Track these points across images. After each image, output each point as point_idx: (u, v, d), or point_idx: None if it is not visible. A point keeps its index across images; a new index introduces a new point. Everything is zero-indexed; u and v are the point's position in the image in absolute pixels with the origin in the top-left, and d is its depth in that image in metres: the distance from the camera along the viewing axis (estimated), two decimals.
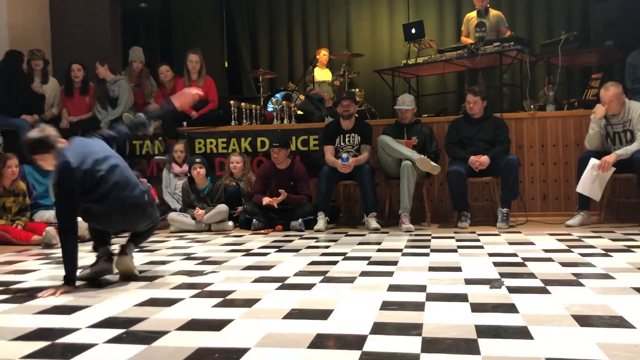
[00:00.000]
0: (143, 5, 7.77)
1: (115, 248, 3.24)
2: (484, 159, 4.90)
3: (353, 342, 1.85)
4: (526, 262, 3.14)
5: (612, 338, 1.81)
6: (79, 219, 4.93)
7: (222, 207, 5.21)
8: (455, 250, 3.66)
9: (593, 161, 4.62)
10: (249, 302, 2.41)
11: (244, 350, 1.79)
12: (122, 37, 7.77)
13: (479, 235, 4.39)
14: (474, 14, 6.96)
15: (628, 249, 3.51)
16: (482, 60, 6.11)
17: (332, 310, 2.24)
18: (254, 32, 9.61)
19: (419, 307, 2.25)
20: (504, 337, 1.85)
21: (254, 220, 5.15)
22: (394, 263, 3.25)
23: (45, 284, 2.97)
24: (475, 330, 1.92)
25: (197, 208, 5.24)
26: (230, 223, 5.27)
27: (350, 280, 2.81)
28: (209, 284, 2.82)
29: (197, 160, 5.36)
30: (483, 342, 1.79)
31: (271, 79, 8.62)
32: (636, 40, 5.36)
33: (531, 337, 1.83)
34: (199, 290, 2.69)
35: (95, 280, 3.03)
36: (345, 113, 5.29)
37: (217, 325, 2.09)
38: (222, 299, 2.51)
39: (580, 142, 5.26)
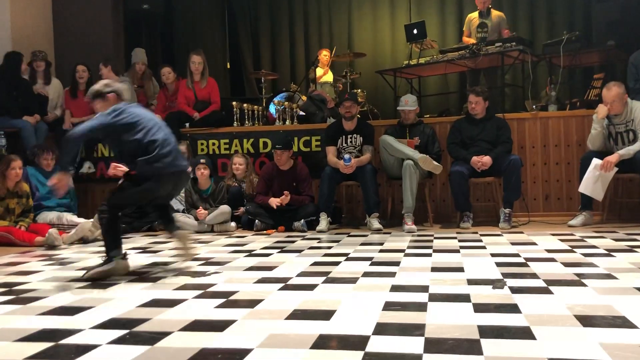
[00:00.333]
0: (145, 7, 7.79)
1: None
2: (486, 160, 4.90)
3: (356, 342, 1.85)
4: (529, 263, 3.14)
5: (615, 338, 1.81)
6: (82, 219, 4.99)
7: (225, 208, 5.22)
8: (457, 251, 3.66)
9: (595, 161, 4.62)
10: (251, 303, 2.42)
11: (246, 351, 1.80)
12: (125, 38, 7.78)
13: (481, 235, 4.39)
14: (475, 14, 6.97)
15: (631, 249, 3.50)
16: (484, 61, 6.11)
17: (335, 310, 2.24)
18: (256, 34, 9.62)
19: (421, 307, 2.25)
20: (507, 337, 1.85)
21: (257, 221, 5.15)
22: (397, 263, 3.25)
23: (49, 285, 2.98)
24: (478, 330, 1.92)
25: (199, 208, 5.24)
26: (233, 224, 5.28)
27: (353, 280, 2.81)
28: (212, 285, 2.83)
29: (202, 160, 5.37)
30: (486, 343, 1.79)
31: (273, 80, 8.64)
32: (638, 39, 5.35)
33: (534, 338, 1.83)
34: (202, 291, 2.69)
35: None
36: (347, 114, 5.29)
37: (220, 325, 2.09)
38: (224, 299, 2.51)
39: (582, 142, 5.26)
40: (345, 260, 3.44)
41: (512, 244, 3.90)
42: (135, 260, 3.72)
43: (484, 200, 5.51)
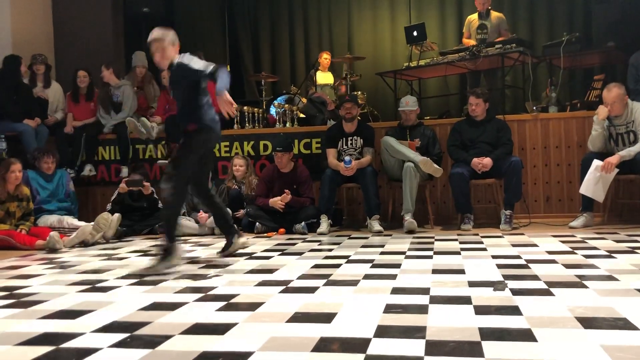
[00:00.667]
0: (145, 9, 7.79)
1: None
2: (487, 161, 4.90)
3: (357, 345, 1.85)
4: (530, 264, 3.14)
5: (616, 340, 1.80)
6: (83, 222, 5.00)
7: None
8: (458, 253, 3.66)
9: (596, 162, 4.62)
10: (252, 306, 2.42)
11: (247, 354, 1.80)
12: (125, 41, 7.79)
13: (482, 237, 4.39)
14: (475, 16, 6.97)
15: (632, 250, 3.50)
16: (484, 62, 6.12)
17: (336, 313, 2.24)
18: (256, 36, 9.63)
19: (422, 309, 2.25)
20: (508, 339, 1.85)
21: (257, 223, 5.15)
22: (397, 266, 3.25)
23: (50, 288, 2.98)
24: (479, 332, 1.92)
25: (200, 211, 5.24)
26: None
27: (354, 283, 2.81)
28: (213, 288, 2.83)
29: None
30: (487, 345, 1.79)
31: (273, 82, 8.64)
32: (638, 40, 5.35)
33: (535, 340, 1.83)
34: (203, 294, 2.69)
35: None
36: (347, 116, 5.30)
37: (220, 329, 2.09)
38: (225, 302, 2.51)
39: (582, 144, 5.26)
40: (346, 262, 3.44)
41: (513, 245, 3.90)
42: (136, 263, 3.72)
43: (484, 202, 5.51)
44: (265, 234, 5.05)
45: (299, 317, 2.22)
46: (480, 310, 2.21)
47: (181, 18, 9.29)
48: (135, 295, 2.73)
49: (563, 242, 3.97)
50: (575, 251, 3.55)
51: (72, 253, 4.39)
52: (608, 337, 1.84)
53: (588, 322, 2.00)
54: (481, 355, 1.71)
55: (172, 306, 2.48)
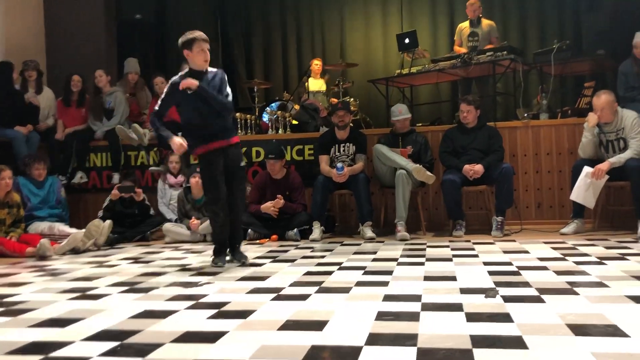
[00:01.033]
0: (138, 17, 7.79)
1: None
2: (478, 168, 4.92)
3: (348, 353, 1.84)
4: (521, 271, 3.15)
5: (606, 347, 1.81)
6: (74, 229, 5.00)
7: None
8: (450, 260, 3.66)
9: (587, 169, 4.64)
10: (243, 314, 2.41)
11: None
12: (117, 48, 7.78)
13: (473, 243, 4.40)
14: (466, 23, 7.02)
15: (622, 257, 3.52)
16: (475, 70, 6.15)
17: (328, 321, 2.24)
18: (248, 43, 9.64)
19: (414, 317, 2.25)
20: (499, 346, 1.85)
21: (249, 230, 5.14)
22: (389, 273, 3.25)
23: (40, 296, 2.96)
24: (470, 340, 1.92)
25: (192, 218, 5.23)
26: None
27: (346, 290, 2.81)
28: (204, 296, 2.81)
29: (198, 169, 5.37)
30: (478, 352, 1.79)
31: (266, 89, 8.65)
32: (627, 48, 5.40)
33: (526, 347, 1.83)
34: (194, 302, 2.68)
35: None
36: (340, 123, 5.31)
37: (211, 337, 2.08)
38: (217, 310, 2.50)
39: (573, 151, 5.29)
40: (338, 269, 3.44)
41: (505, 252, 3.91)
42: (127, 270, 3.71)
43: (476, 209, 5.53)
44: (257, 241, 5.04)
45: (290, 325, 2.21)
46: (472, 317, 2.22)
47: (173, 25, 9.29)
48: (126, 303, 2.72)
49: (554, 248, 3.99)
50: (566, 258, 3.56)
51: (62, 260, 4.36)
52: (598, 344, 1.84)
53: (579, 329, 2.00)
54: None
55: (163, 314, 2.46)
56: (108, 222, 5.04)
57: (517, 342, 1.88)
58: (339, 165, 5.12)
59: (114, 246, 5.11)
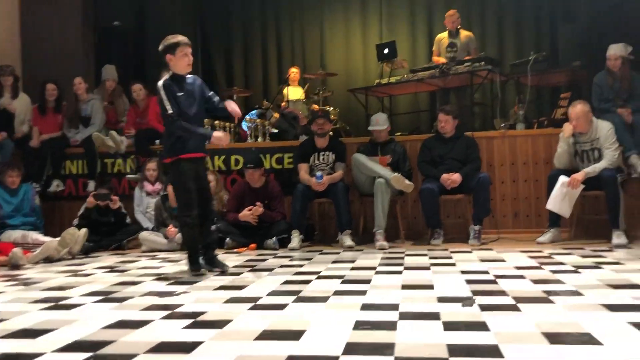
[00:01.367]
0: (116, 23, 7.71)
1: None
2: (456, 177, 4.96)
3: None
4: (498, 280, 3.17)
5: (581, 356, 1.82)
6: (49, 237, 4.90)
7: None
8: (428, 268, 3.68)
9: (562, 179, 4.71)
10: (220, 324, 2.38)
11: None
12: (95, 55, 7.69)
13: (451, 252, 4.42)
14: (445, 34, 7.09)
15: (597, 266, 3.56)
16: (453, 80, 6.21)
17: (305, 330, 2.22)
18: (228, 51, 9.61)
19: (392, 326, 2.25)
20: (476, 355, 1.86)
21: (227, 239, 5.10)
22: (368, 281, 3.25)
23: (11, 306, 2.89)
24: (447, 349, 1.92)
25: (169, 226, 5.17)
26: None
27: (324, 299, 2.79)
28: (180, 305, 2.78)
29: (172, 176, 5.32)
30: None
31: (246, 97, 8.63)
32: (602, 60, 5.50)
33: (502, 356, 1.84)
34: (170, 312, 2.64)
35: None
36: (320, 131, 5.32)
37: (187, 347, 2.05)
38: (192, 320, 2.47)
39: (549, 160, 5.36)
40: (317, 278, 3.43)
41: (482, 260, 3.93)
42: (102, 280, 3.65)
43: (454, 217, 5.56)
44: (235, 250, 5.00)
45: (267, 335, 2.19)
46: (449, 326, 2.22)
47: (153, 32, 9.21)
48: (100, 313, 2.67)
49: (531, 257, 4.03)
50: (543, 266, 3.60)
51: (35, 269, 4.28)
52: (573, 352, 1.86)
53: (554, 338, 2.02)
54: None
55: (138, 324, 2.42)
56: (83, 230, 4.96)
57: (493, 351, 1.89)
58: (318, 173, 5.12)
59: (89, 255, 5.03)
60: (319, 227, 5.79)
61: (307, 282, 3.31)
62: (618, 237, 4.52)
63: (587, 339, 1.99)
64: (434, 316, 2.38)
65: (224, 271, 3.76)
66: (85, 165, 6.23)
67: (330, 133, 5.55)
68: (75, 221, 5.40)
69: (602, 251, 4.23)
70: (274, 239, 5.02)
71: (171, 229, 5.14)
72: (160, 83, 3.72)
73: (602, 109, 5.28)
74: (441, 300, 2.69)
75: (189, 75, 3.80)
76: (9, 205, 5.29)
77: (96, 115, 6.31)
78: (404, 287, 3.06)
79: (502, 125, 5.76)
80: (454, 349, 1.92)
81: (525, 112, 5.93)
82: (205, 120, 6.29)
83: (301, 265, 3.98)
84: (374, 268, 3.74)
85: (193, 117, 3.72)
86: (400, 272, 3.55)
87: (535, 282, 3.08)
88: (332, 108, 7.38)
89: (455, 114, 5.23)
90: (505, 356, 1.83)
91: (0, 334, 2.34)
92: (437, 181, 5.01)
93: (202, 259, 3.84)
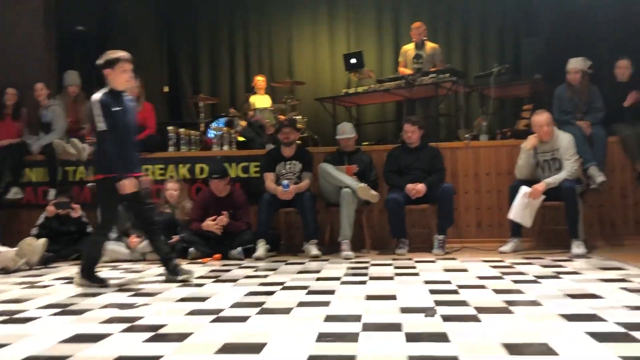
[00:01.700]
0: (80, 28, 7.57)
1: None
2: (420, 187, 5.00)
3: None
4: (460, 290, 3.20)
5: None
6: (6, 247, 4.76)
7: None
8: (392, 278, 3.69)
9: (524, 189, 4.80)
10: (181, 337, 2.34)
11: None
12: (58, 60, 7.53)
13: (416, 262, 4.45)
14: (411, 45, 7.18)
15: (556, 275, 3.64)
16: (419, 91, 6.29)
17: (266, 343, 2.20)
18: (195, 58, 9.54)
19: (354, 338, 2.24)
20: None
21: (191, 249, 5.03)
22: (332, 292, 3.24)
23: None
24: None
25: (131, 236, 5.08)
26: None
27: (287, 311, 2.77)
28: (140, 318, 2.72)
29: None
30: None
31: (213, 104, 8.56)
32: (562, 73, 5.64)
33: None
34: (130, 324, 2.59)
35: None
36: (285, 140, 5.31)
37: None
38: (153, 333, 2.42)
39: (512, 171, 5.43)
40: (281, 289, 3.41)
41: (445, 270, 3.97)
42: (61, 291, 3.55)
43: (419, 227, 5.60)
44: (199, 260, 4.94)
45: (228, 348, 2.16)
46: (411, 337, 2.23)
47: (118, 38, 9.06)
48: (57, 326, 2.59)
49: (493, 267, 4.08)
50: (504, 276, 3.65)
51: None
52: None
53: (513, 348, 2.04)
54: None
55: (96, 337, 2.37)
56: (42, 240, 4.83)
57: None
58: (285, 182, 5.10)
59: (48, 265, 4.89)
60: (285, 237, 5.77)
61: (272, 293, 3.28)
62: (577, 247, 4.62)
63: (544, 350, 2.02)
64: (396, 327, 2.39)
65: (188, 279, 3.71)
66: (46, 173, 6.08)
67: (298, 142, 5.54)
68: (34, 230, 5.26)
69: (562, 261, 4.32)
70: (239, 249, 4.97)
71: (133, 239, 5.04)
72: (96, 97, 3.64)
73: (562, 121, 5.41)
74: (404, 310, 2.70)
75: (127, 95, 3.79)
76: None
77: (57, 121, 6.17)
78: (368, 297, 3.06)
79: (467, 135, 5.85)
80: None
81: (489, 123, 6.04)
82: (170, 128, 6.27)
83: (266, 276, 3.95)
84: (339, 278, 3.74)
85: (129, 134, 3.74)
86: (364, 283, 3.55)
87: (497, 292, 3.12)
88: (300, 117, 7.37)
89: (421, 125, 5.29)
90: None
91: None
92: (403, 191, 5.05)
93: (165, 270, 3.82)
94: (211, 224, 4.99)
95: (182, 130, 6.24)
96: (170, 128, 6.25)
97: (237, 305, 2.97)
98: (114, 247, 5.10)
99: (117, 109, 3.66)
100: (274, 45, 9.39)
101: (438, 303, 2.84)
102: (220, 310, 2.83)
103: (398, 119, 8.09)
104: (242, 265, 4.57)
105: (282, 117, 7.38)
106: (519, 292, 3.12)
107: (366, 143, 6.66)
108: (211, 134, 6.60)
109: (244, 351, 2.11)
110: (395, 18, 8.91)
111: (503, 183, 5.56)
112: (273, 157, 5.43)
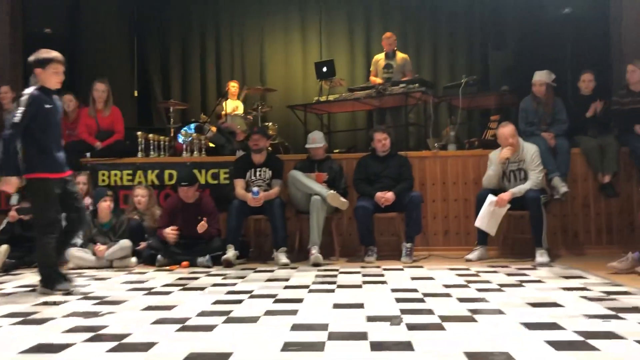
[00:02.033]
0: (47, 30, 7.44)
1: None
2: (389, 195, 5.05)
3: None
4: (425, 298, 3.24)
5: None
6: None
7: (126, 243, 5.00)
8: (360, 286, 3.72)
9: (490, 198, 4.89)
10: (145, 346, 2.32)
11: None
12: (24, 63, 7.38)
13: (384, 269, 4.49)
14: (382, 55, 7.27)
15: (520, 284, 3.71)
16: (388, 100, 6.36)
17: (232, 353, 2.19)
18: (166, 62, 9.47)
19: (320, 347, 2.26)
20: None
21: (159, 256, 4.98)
22: (300, 300, 3.25)
23: None
24: None
25: (97, 243, 5.00)
26: (134, 259, 5.07)
27: (254, 320, 2.77)
28: (104, 327, 2.68)
29: (109, 193, 5.19)
30: None
31: (183, 110, 8.50)
32: (528, 86, 5.78)
33: None
34: (93, 334, 2.55)
35: None
36: (254, 147, 5.31)
37: None
38: (117, 342, 2.39)
39: (478, 180, 5.54)
40: (249, 297, 3.40)
41: (412, 278, 4.02)
42: (22, 299, 3.48)
43: (387, 235, 5.65)
44: (167, 267, 4.89)
45: (193, 358, 2.15)
46: (376, 346, 2.25)
47: (87, 41, 8.95)
48: (17, 336, 2.54)
49: (459, 275, 4.14)
50: (469, 284, 3.71)
51: None
52: None
53: (474, 357, 2.08)
54: None
55: (58, 348, 2.33)
56: (4, 246, 4.73)
57: None
58: (255, 189, 5.10)
59: (10, 272, 4.79)
60: (255, 244, 5.76)
61: (239, 301, 3.27)
62: (541, 256, 4.72)
63: (504, 359, 2.07)
64: (362, 336, 2.41)
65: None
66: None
67: (269, 149, 5.55)
68: None
69: (526, 269, 4.41)
70: (207, 256, 4.94)
71: (99, 247, 4.97)
72: (29, 91, 3.62)
73: (527, 132, 5.53)
74: (370, 319, 2.73)
75: (55, 95, 3.76)
76: None
77: None
78: (335, 306, 3.08)
79: (435, 145, 5.93)
80: None
81: (457, 133, 6.14)
82: (139, 133, 6.20)
83: (234, 284, 3.94)
84: (307, 286, 3.75)
85: (57, 133, 3.73)
86: (332, 291, 3.57)
87: (461, 300, 3.17)
88: (271, 124, 7.38)
89: (389, 133, 5.36)
90: None
91: None
92: (372, 199, 5.10)
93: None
94: (168, 231, 4.94)
95: (151, 135, 6.18)
96: (139, 133, 6.19)
97: (203, 314, 2.95)
98: (79, 253, 5.02)
99: (49, 106, 3.64)
100: (246, 52, 9.39)
101: (404, 311, 2.87)
102: (187, 319, 2.81)
103: (368, 128, 8.16)
104: (210, 273, 4.54)
105: (250, 118, 7.38)
106: (483, 300, 3.17)
107: (337, 151, 6.70)
108: (181, 139, 6.56)
109: None
110: (366, 28, 9.01)
111: (470, 192, 5.65)
112: (243, 163, 5.42)
